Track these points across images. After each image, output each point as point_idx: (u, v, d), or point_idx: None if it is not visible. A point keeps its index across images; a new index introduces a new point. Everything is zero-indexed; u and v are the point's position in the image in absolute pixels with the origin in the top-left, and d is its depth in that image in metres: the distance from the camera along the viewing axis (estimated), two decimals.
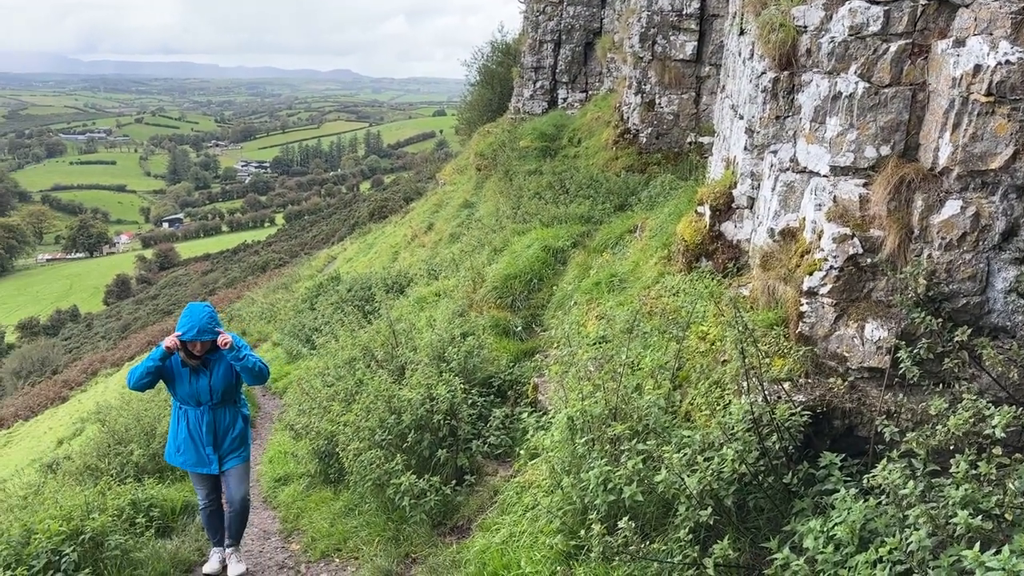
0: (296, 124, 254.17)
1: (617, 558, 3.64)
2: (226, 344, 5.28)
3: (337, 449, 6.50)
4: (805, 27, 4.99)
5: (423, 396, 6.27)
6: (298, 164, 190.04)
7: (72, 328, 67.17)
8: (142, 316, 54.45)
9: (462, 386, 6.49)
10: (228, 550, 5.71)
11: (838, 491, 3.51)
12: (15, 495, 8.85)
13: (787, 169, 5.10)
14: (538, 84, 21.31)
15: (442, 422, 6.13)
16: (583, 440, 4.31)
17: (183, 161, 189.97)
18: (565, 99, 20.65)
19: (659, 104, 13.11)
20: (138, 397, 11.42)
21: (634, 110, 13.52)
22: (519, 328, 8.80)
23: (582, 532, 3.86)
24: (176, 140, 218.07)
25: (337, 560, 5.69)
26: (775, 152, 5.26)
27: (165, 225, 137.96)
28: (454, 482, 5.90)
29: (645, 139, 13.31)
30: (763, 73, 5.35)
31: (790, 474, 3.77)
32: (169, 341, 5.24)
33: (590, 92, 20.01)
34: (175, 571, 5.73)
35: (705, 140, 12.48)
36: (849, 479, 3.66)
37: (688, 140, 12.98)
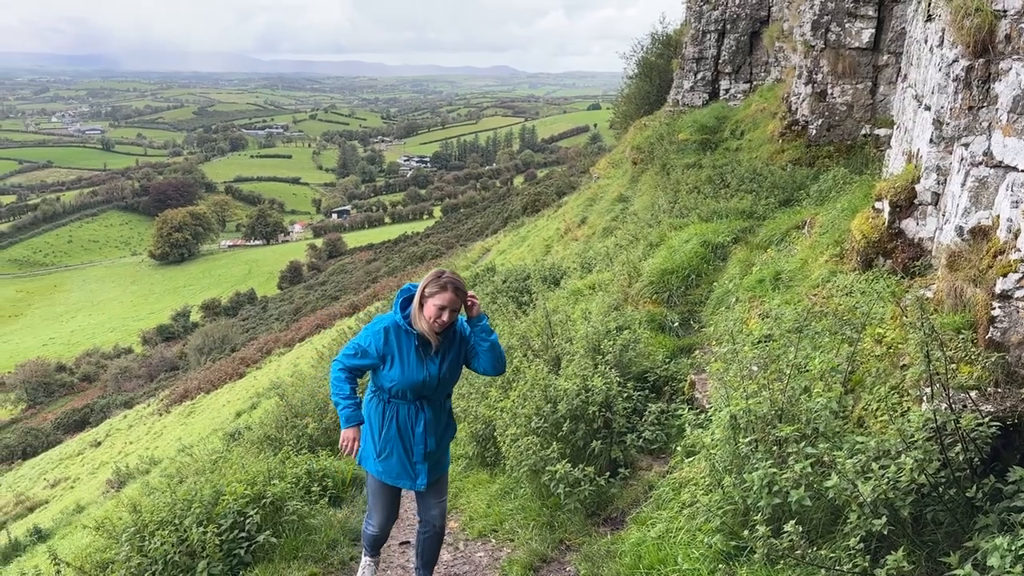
0: (455, 120, 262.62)
1: (782, 561, 3.55)
2: (475, 306, 4.33)
3: (495, 433, 6.69)
4: (1004, 11, 4.61)
5: (578, 387, 6.33)
6: (456, 159, 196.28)
7: (249, 310, 72.80)
8: (312, 300, 58.14)
9: (617, 379, 6.50)
10: None
11: None
12: (202, 460, 9.77)
13: (980, 163, 4.74)
14: (699, 75, 20.83)
15: (597, 413, 6.17)
16: (747, 440, 4.22)
17: (351, 156, 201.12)
18: (727, 90, 20.06)
19: (831, 94, 12.47)
20: (311, 375, 12.25)
21: (803, 101, 12.95)
22: (675, 324, 8.68)
23: (744, 533, 3.79)
24: (345, 136, 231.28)
25: (493, 540, 5.87)
26: (966, 145, 4.90)
27: (334, 216, 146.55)
28: (608, 474, 5.93)
29: (815, 131, 12.71)
30: (955, 61, 5.00)
31: (974, 488, 3.53)
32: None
33: (754, 83, 19.32)
34: (344, 539, 6.08)
35: (882, 132, 11.76)
36: None
37: (862, 132, 12.28)
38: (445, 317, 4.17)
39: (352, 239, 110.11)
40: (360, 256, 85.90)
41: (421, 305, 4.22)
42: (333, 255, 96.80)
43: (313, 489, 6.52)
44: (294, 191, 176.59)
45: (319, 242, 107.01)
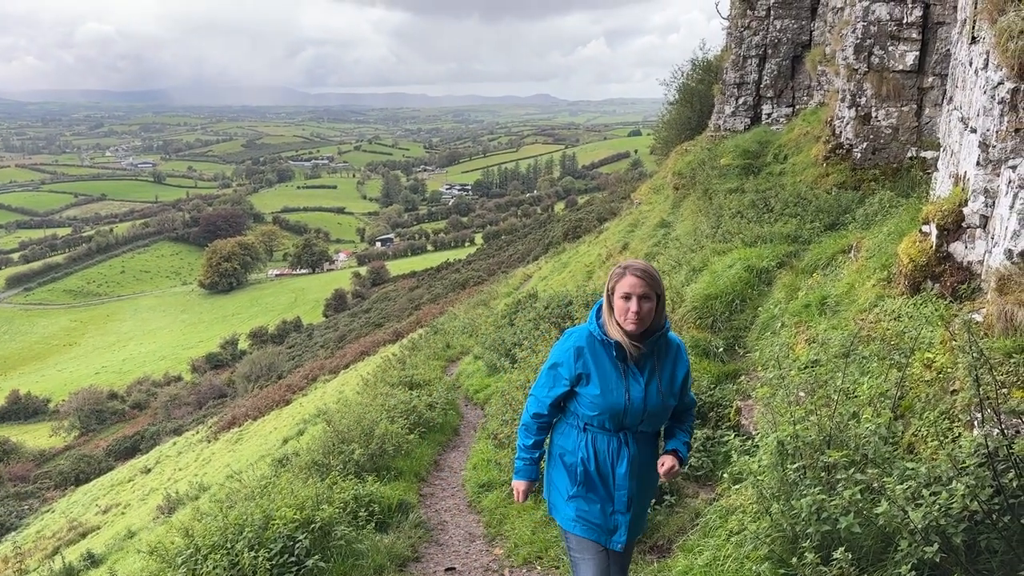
0: (496, 148, 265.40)
1: None
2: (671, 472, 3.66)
3: None
4: None
5: None
6: (497, 186, 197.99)
7: (295, 337, 73.76)
8: (356, 328, 58.71)
9: None
10: None
11: None
12: (251, 485, 9.94)
13: None
14: (741, 100, 20.78)
15: None
16: (794, 466, 4.19)
17: (395, 185, 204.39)
18: (769, 115, 19.97)
19: (875, 117, 12.36)
20: (356, 401, 12.40)
21: (847, 124, 12.85)
22: (720, 349, 8.62)
23: (793, 560, 3.76)
24: (389, 166, 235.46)
25: (539, 568, 5.87)
26: (1014, 167, 4.84)
27: (378, 244, 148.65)
28: (653, 501, 5.90)
29: (859, 154, 12.59)
30: (1000, 83, 4.96)
31: None
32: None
33: (797, 107, 19.22)
34: (391, 564, 6.13)
35: (928, 155, 11.61)
36: None
37: (908, 155, 12.12)
38: (634, 306, 3.38)
39: (395, 267, 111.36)
40: (403, 283, 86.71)
41: (611, 306, 3.50)
42: (377, 283, 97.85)
43: (360, 514, 6.58)
44: (339, 220, 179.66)
45: (363, 270, 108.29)
